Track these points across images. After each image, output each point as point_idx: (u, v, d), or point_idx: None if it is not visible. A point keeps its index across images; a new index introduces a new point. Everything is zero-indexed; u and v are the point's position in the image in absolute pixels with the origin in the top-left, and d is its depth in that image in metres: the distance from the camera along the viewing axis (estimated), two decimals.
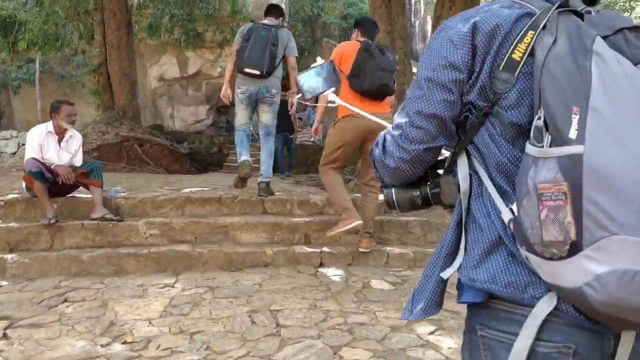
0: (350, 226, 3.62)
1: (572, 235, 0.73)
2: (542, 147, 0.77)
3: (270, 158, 4.48)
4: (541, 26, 0.85)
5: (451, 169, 1.00)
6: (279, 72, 4.45)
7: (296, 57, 4.47)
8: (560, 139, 0.75)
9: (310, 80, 1.59)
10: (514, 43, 0.86)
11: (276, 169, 10.62)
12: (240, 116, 4.53)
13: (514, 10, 0.89)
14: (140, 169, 10.33)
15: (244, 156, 4.43)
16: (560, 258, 0.75)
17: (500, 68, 0.87)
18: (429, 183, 1.05)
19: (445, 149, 1.03)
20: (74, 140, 4.31)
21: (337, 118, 3.76)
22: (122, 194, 4.52)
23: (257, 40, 4.21)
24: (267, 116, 4.45)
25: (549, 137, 0.76)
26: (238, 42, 4.41)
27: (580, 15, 0.86)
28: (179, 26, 11.53)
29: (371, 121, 3.62)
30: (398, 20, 7.59)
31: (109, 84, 11.48)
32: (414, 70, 8.96)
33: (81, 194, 4.41)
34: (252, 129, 4.70)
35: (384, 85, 3.58)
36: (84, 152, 4.57)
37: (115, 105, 11.28)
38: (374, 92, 3.59)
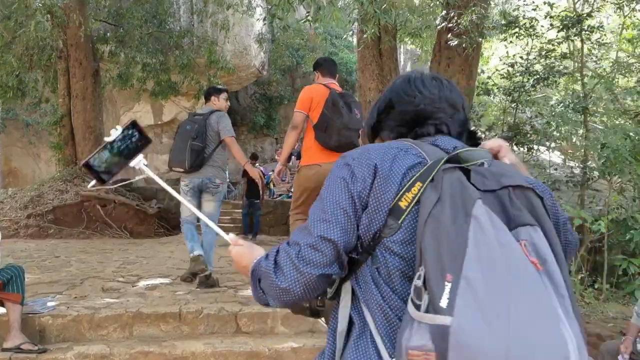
0: None
1: None
2: (420, 307, 0.73)
3: (210, 250, 4.22)
4: (429, 179, 0.85)
5: (336, 296, 0.97)
6: (215, 161, 4.16)
7: (233, 136, 4.18)
8: (433, 306, 0.71)
9: (103, 159, 1.25)
10: (402, 191, 0.87)
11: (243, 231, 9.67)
12: (185, 208, 4.19)
13: (409, 156, 0.92)
14: (102, 233, 9.22)
15: (197, 251, 4.11)
16: None
17: (387, 212, 0.87)
18: (318, 298, 1.01)
19: None
20: None
21: (299, 166, 3.80)
22: (51, 306, 3.48)
23: (179, 137, 4.14)
24: (210, 205, 4.19)
25: (427, 298, 0.73)
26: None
27: (466, 170, 0.85)
28: (151, 76, 10.73)
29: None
30: (390, 77, 6.93)
31: (72, 137, 10.52)
32: None
33: None
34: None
35: (349, 144, 3.51)
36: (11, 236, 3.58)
37: (78, 160, 10.26)
38: (338, 149, 3.49)
